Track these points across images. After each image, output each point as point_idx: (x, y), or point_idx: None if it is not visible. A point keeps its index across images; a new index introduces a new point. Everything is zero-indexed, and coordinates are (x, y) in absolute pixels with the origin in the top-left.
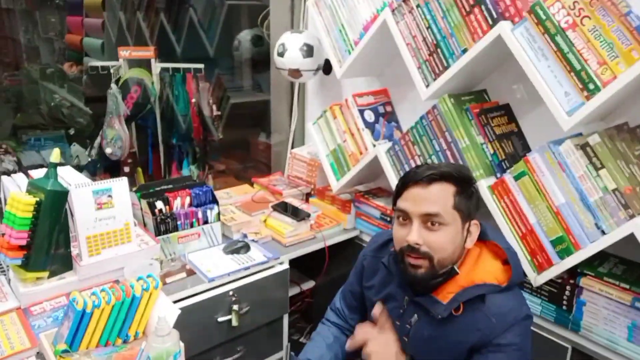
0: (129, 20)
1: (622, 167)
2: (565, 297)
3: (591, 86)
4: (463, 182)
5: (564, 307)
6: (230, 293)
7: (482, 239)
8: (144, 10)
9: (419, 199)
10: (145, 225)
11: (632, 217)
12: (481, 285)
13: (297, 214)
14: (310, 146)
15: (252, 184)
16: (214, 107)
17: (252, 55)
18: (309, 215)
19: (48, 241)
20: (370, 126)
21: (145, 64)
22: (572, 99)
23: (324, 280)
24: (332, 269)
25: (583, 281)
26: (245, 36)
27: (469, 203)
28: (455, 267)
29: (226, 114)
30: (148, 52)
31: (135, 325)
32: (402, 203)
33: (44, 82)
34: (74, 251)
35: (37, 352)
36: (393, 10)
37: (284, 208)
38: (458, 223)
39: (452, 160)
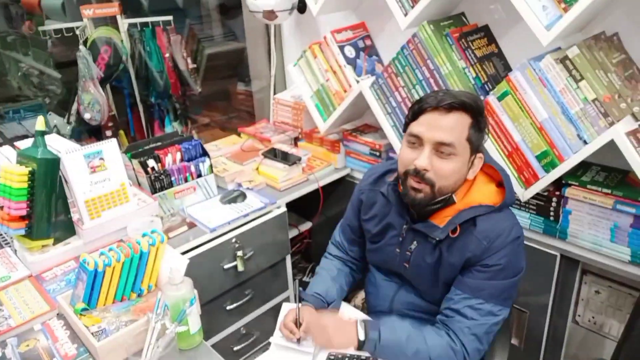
0: None
1: (601, 76)
2: (552, 209)
3: None
4: (479, 114)
5: (552, 218)
6: (233, 240)
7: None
8: None
9: (435, 125)
10: (140, 184)
11: (611, 124)
12: (476, 207)
13: (288, 159)
14: (293, 89)
15: (239, 134)
16: (189, 60)
17: (222, 1)
18: (299, 159)
19: (47, 209)
20: (351, 62)
21: (111, 22)
22: (550, 12)
23: (320, 219)
24: (327, 208)
25: (568, 191)
26: None
27: (479, 136)
28: (454, 196)
29: (203, 66)
30: (113, 9)
31: (147, 279)
32: (416, 127)
33: (6, 52)
34: (75, 216)
35: (58, 314)
36: None
37: (274, 154)
38: (467, 154)
39: (435, 88)
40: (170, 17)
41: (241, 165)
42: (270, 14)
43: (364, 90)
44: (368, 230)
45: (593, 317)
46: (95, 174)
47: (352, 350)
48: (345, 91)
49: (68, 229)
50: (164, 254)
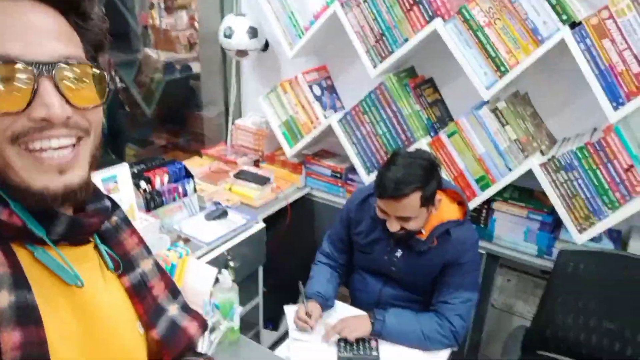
0: None
1: (520, 123)
2: (482, 217)
3: (502, 68)
4: (427, 181)
5: (482, 225)
6: (226, 253)
7: (440, 187)
8: None
9: (393, 207)
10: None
11: (527, 157)
12: (447, 222)
13: (258, 180)
14: (253, 117)
15: (200, 155)
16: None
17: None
18: (269, 180)
19: None
20: (318, 99)
21: None
22: (489, 77)
23: (281, 229)
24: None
25: (495, 205)
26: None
27: (432, 190)
28: (422, 230)
29: (159, 92)
30: None
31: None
32: (380, 204)
33: None
34: None
35: None
36: (342, 3)
37: (245, 175)
38: (424, 211)
39: (397, 126)
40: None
41: (215, 185)
42: (242, 53)
43: (333, 123)
44: (357, 242)
45: (505, 300)
46: (110, 195)
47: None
48: (312, 122)
49: None
50: (189, 266)
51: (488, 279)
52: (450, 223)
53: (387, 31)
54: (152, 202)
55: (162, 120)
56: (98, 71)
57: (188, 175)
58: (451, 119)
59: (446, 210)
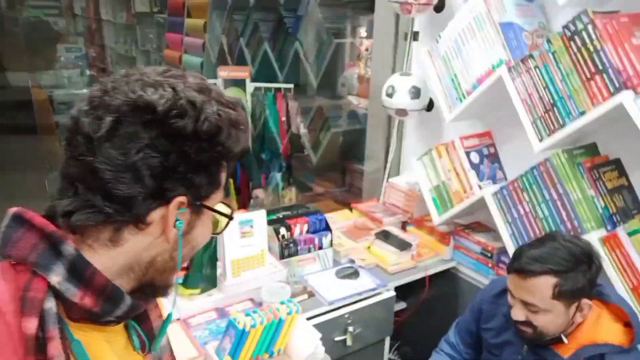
0: (231, 44)
1: None
2: None
3: None
4: (568, 272)
5: None
6: (346, 315)
7: (601, 298)
8: (248, 37)
9: (518, 286)
10: (269, 248)
11: None
12: (603, 344)
13: (399, 244)
14: (407, 176)
15: (350, 209)
16: (301, 126)
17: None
18: (410, 246)
19: (201, 262)
20: (475, 167)
21: (240, 84)
22: None
23: (417, 302)
24: (429, 296)
25: None
26: (352, 73)
27: (575, 287)
28: (562, 337)
29: (326, 142)
30: (244, 73)
31: (279, 343)
32: (508, 281)
33: None
34: (219, 271)
35: (203, 359)
36: (510, 68)
37: (386, 236)
38: (559, 308)
39: (562, 211)
40: (291, 85)
41: (355, 242)
42: (402, 112)
43: (487, 196)
44: (486, 340)
45: None
46: (244, 238)
47: None
48: (465, 192)
49: (212, 282)
50: (296, 323)
51: None
52: (609, 347)
53: (560, 102)
54: (287, 249)
55: (321, 167)
56: None
57: (327, 228)
58: (639, 213)
59: (605, 329)
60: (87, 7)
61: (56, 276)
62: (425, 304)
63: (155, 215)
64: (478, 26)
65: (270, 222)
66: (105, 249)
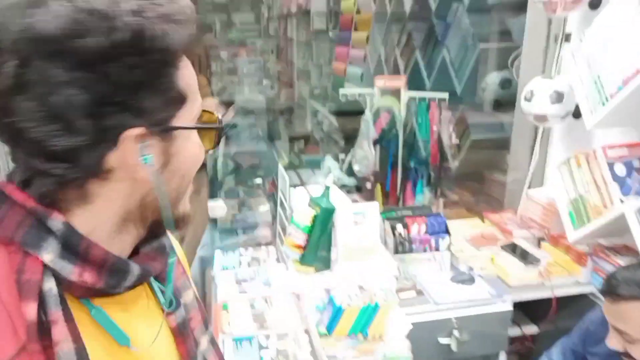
0: (388, 54)
1: None
2: None
3: None
4: None
5: None
6: (453, 320)
7: None
8: (402, 46)
9: (610, 312)
10: (385, 243)
11: None
12: None
13: (526, 258)
14: (549, 189)
15: (482, 218)
16: (453, 136)
17: (498, 97)
18: (538, 261)
19: (317, 244)
20: (619, 180)
21: (395, 93)
22: None
23: (548, 328)
24: (558, 320)
25: None
26: (493, 78)
27: None
28: None
29: (466, 148)
30: (400, 82)
31: (374, 328)
32: (604, 306)
33: (311, 101)
34: (332, 255)
35: (305, 329)
36: None
37: (513, 249)
38: None
39: None
40: (446, 95)
41: (477, 250)
42: (541, 118)
43: (628, 213)
44: None
45: None
46: (357, 227)
47: None
48: (604, 206)
49: (325, 264)
50: (391, 312)
51: None
52: None
53: None
54: (402, 246)
55: (462, 176)
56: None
57: (446, 231)
58: None
59: None
60: (279, 28)
61: (47, 254)
62: (555, 330)
63: (112, 159)
64: (628, 21)
65: (389, 219)
66: (82, 211)
